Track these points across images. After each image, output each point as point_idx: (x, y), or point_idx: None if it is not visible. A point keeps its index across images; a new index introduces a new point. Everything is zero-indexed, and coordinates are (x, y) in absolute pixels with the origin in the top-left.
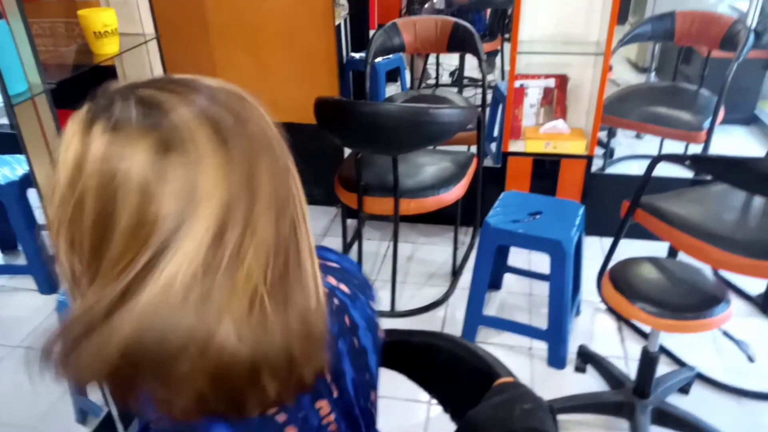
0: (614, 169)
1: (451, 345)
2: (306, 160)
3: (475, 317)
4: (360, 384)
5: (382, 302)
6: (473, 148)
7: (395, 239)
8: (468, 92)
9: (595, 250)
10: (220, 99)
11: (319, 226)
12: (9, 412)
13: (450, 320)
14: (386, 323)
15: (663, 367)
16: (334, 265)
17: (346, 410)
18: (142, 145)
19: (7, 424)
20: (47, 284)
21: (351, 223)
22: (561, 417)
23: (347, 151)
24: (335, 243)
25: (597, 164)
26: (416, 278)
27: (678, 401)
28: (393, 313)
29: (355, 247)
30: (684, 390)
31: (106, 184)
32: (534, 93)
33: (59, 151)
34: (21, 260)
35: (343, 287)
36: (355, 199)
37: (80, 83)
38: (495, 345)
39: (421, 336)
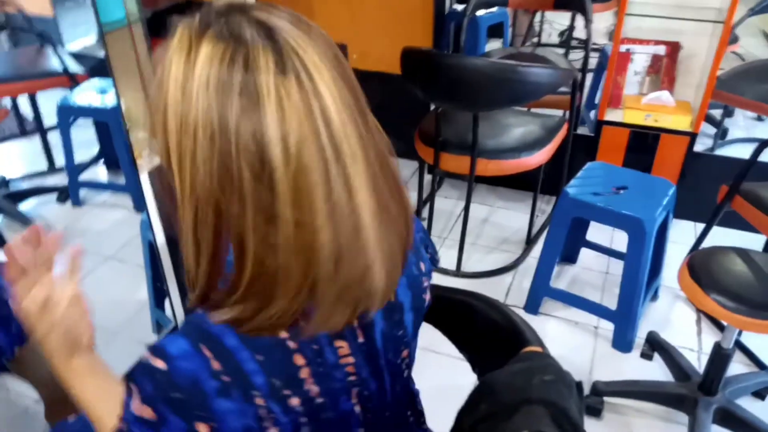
0: (724, 151)
1: (486, 307)
2: (391, 110)
3: (541, 288)
4: (390, 337)
5: (449, 261)
6: (567, 113)
7: (468, 199)
8: (576, 54)
9: (686, 235)
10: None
11: None
12: (96, 316)
13: (516, 288)
14: (451, 282)
15: (740, 367)
16: None
17: (370, 358)
18: (262, 61)
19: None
20: (142, 203)
21: (429, 179)
22: (617, 401)
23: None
24: (410, 197)
25: (704, 144)
26: (487, 241)
27: (750, 405)
28: (458, 273)
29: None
30: (760, 395)
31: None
32: (640, 60)
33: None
34: (122, 179)
35: None
36: (432, 155)
37: (172, 14)
38: (559, 318)
39: (460, 294)
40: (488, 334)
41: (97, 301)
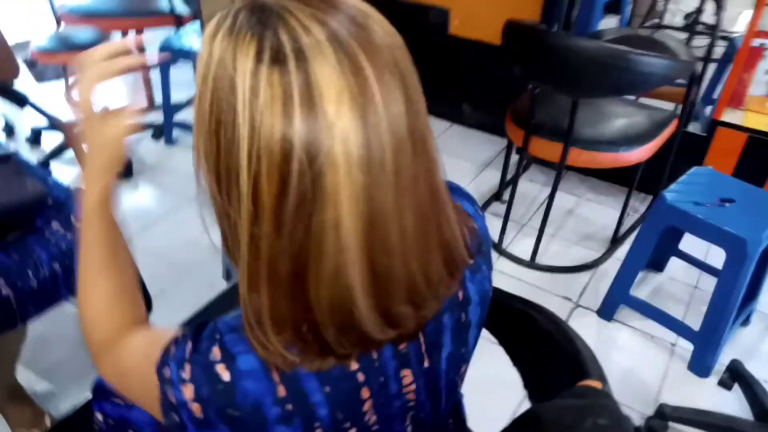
0: None
1: (549, 324)
2: (486, 83)
3: (619, 294)
4: (455, 358)
5: (524, 250)
6: (680, 107)
7: (554, 188)
8: (700, 41)
9: None
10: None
11: (483, 154)
12: (173, 253)
13: (591, 289)
14: (522, 273)
15: None
16: (471, 222)
17: (432, 381)
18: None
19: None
20: None
21: (516, 159)
22: (683, 429)
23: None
24: (493, 176)
25: None
26: (569, 234)
27: None
28: (532, 264)
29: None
30: None
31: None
32: None
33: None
34: None
35: (467, 235)
36: (522, 137)
37: None
38: (634, 329)
39: (520, 303)
40: (546, 356)
41: (176, 238)
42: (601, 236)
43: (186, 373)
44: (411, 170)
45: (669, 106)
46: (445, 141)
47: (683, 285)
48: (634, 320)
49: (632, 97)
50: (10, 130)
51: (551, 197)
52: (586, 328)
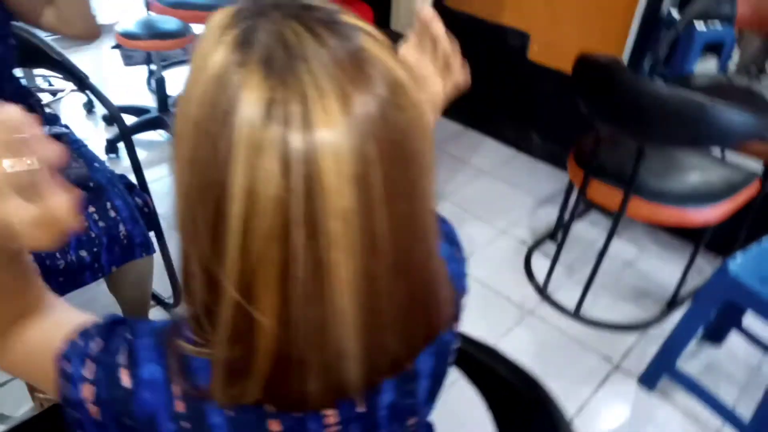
0: None
1: (524, 389)
2: (560, 114)
3: (664, 363)
4: (398, 408)
5: (569, 299)
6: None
7: (609, 237)
8: None
9: None
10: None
11: (546, 189)
12: None
13: (637, 352)
14: (563, 323)
15: None
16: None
17: (369, 428)
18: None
19: None
20: None
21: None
22: None
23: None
24: (552, 214)
25: None
26: (623, 289)
27: None
28: (575, 315)
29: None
30: None
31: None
32: None
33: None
34: None
35: (450, 308)
36: (581, 178)
37: None
38: (676, 405)
39: (504, 367)
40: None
41: None
42: (659, 296)
43: (88, 372)
44: (408, 254)
45: (757, 163)
46: (508, 169)
47: (742, 364)
48: (677, 395)
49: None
50: (90, 107)
51: (605, 246)
52: (623, 395)
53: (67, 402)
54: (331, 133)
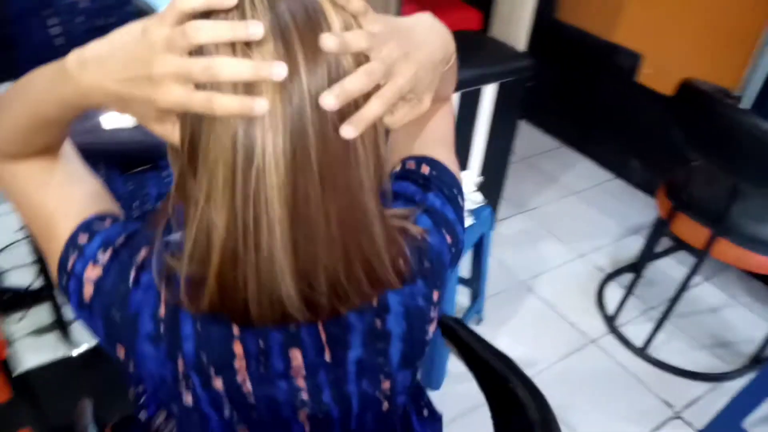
0: None
1: (534, 410)
2: (664, 143)
3: (728, 421)
4: (367, 366)
5: (638, 335)
6: None
7: (690, 275)
8: None
9: None
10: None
11: (636, 218)
12: None
13: (703, 404)
14: (626, 358)
15: None
16: (420, 240)
17: (336, 382)
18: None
19: None
20: None
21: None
22: None
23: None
24: (637, 244)
25: None
26: (701, 334)
27: None
28: (641, 353)
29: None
30: None
31: None
32: None
33: None
34: None
35: (402, 264)
36: (668, 210)
37: None
38: None
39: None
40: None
41: None
42: (741, 349)
43: (104, 258)
44: (336, 178)
45: None
46: (600, 193)
47: None
48: None
49: None
50: None
51: (685, 284)
52: None
53: (65, 269)
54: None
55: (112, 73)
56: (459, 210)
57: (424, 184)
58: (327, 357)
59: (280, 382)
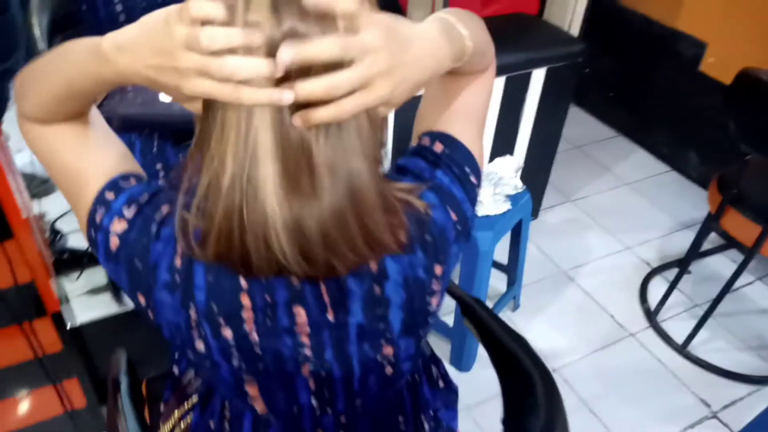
0: None
1: (545, 398)
2: (724, 134)
3: (766, 426)
4: (368, 330)
5: (680, 333)
6: None
7: (737, 272)
8: None
9: None
10: None
11: (689, 213)
12: None
13: (742, 407)
14: (665, 355)
15: None
16: (420, 208)
17: (338, 342)
18: None
19: None
20: None
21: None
22: None
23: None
24: (688, 239)
25: None
26: (748, 336)
27: None
28: (682, 350)
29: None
30: None
31: None
32: None
33: None
34: None
35: (400, 232)
36: (718, 203)
37: None
38: None
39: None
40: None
41: None
42: None
43: (129, 213)
44: (330, 137)
45: None
46: (653, 185)
47: None
48: None
49: None
50: None
51: (732, 281)
52: None
53: (93, 223)
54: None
55: (143, 59)
56: (470, 189)
57: (434, 161)
58: (330, 317)
59: (285, 337)
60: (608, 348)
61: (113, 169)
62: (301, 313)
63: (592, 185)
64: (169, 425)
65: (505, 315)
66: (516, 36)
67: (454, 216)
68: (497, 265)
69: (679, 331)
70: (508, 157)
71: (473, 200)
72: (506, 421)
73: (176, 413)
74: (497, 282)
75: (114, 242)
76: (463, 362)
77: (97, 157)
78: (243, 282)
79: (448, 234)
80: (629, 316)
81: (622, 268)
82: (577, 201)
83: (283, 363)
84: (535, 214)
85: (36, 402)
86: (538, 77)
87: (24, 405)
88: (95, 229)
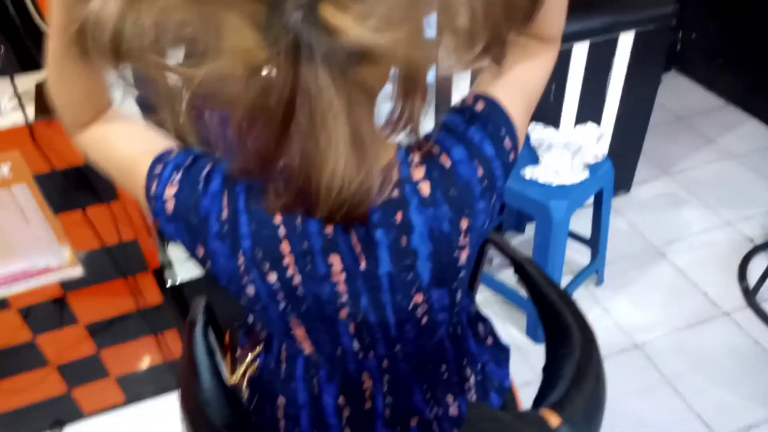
0: None
1: (580, 345)
2: None
3: None
4: (398, 279)
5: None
6: None
7: None
8: None
9: None
10: None
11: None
12: None
13: None
14: (763, 336)
15: None
16: (447, 164)
17: (372, 290)
18: None
19: None
20: None
21: None
22: None
23: None
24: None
25: None
26: None
27: None
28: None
29: None
30: None
31: None
32: None
33: None
34: None
35: (424, 186)
36: None
37: None
38: None
39: (566, 309)
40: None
41: None
42: None
43: (177, 176)
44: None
45: None
46: (763, 158)
47: None
48: None
49: None
50: None
51: None
52: None
53: (149, 195)
54: None
55: None
56: (502, 149)
57: (470, 117)
58: (362, 265)
59: (323, 284)
60: (698, 326)
61: (155, 148)
62: (335, 262)
63: (693, 158)
64: (243, 368)
65: (588, 289)
66: None
67: (480, 172)
68: (580, 239)
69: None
70: (589, 124)
71: (505, 162)
72: (546, 368)
73: (249, 357)
74: (581, 256)
75: (170, 206)
76: (539, 333)
77: (139, 141)
78: (282, 230)
79: (474, 188)
80: (724, 295)
81: (720, 244)
82: (676, 174)
83: (323, 307)
84: (626, 187)
85: (137, 351)
86: (625, 42)
87: (127, 353)
88: (152, 200)
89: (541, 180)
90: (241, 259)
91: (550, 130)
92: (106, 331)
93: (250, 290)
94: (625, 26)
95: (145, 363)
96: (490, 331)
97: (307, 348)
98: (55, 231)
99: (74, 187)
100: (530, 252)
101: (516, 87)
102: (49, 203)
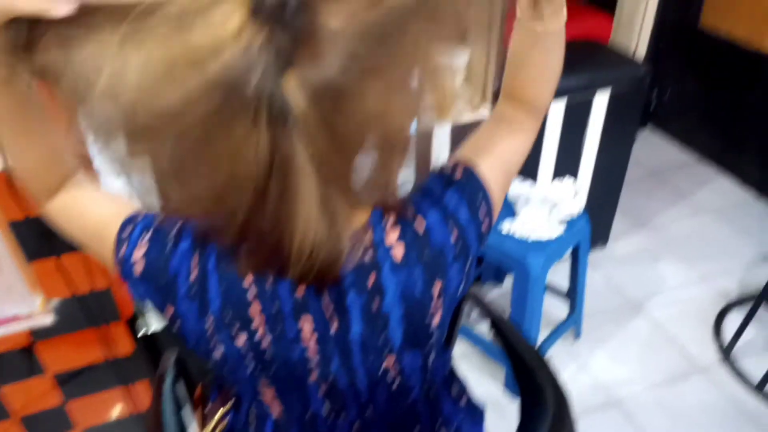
0: None
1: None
2: None
3: None
4: (369, 343)
5: (758, 371)
6: None
7: None
8: None
9: None
10: None
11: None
12: None
13: None
14: (739, 393)
15: None
16: (421, 229)
17: (343, 354)
18: None
19: None
20: None
21: None
22: None
23: None
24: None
25: None
26: None
27: None
28: (759, 390)
29: None
30: None
31: None
32: None
33: None
34: None
35: (398, 249)
36: None
37: None
38: None
39: (549, 383)
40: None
41: None
42: None
43: (146, 237)
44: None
45: None
46: (738, 213)
47: None
48: None
49: None
50: None
51: None
52: None
53: (118, 258)
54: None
55: None
56: (476, 217)
57: (448, 182)
58: (333, 329)
59: (294, 345)
60: (675, 382)
61: (122, 212)
62: (307, 323)
63: (668, 212)
64: (212, 425)
65: (565, 344)
66: (577, 60)
67: (454, 236)
68: (558, 292)
69: (756, 369)
70: (565, 179)
71: (479, 229)
72: (519, 429)
73: (218, 414)
74: (559, 310)
75: (138, 268)
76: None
77: (107, 206)
78: (251, 292)
79: (447, 253)
80: (700, 351)
81: (696, 300)
82: (652, 229)
83: (292, 369)
84: (603, 241)
85: (106, 402)
86: (601, 101)
87: (95, 404)
88: (120, 264)
89: (518, 234)
90: (210, 320)
91: (528, 184)
92: (74, 381)
93: (219, 351)
94: (600, 86)
95: (113, 414)
96: (464, 391)
97: (276, 410)
98: (27, 279)
99: (49, 234)
100: (508, 304)
101: (497, 163)
102: (23, 250)
